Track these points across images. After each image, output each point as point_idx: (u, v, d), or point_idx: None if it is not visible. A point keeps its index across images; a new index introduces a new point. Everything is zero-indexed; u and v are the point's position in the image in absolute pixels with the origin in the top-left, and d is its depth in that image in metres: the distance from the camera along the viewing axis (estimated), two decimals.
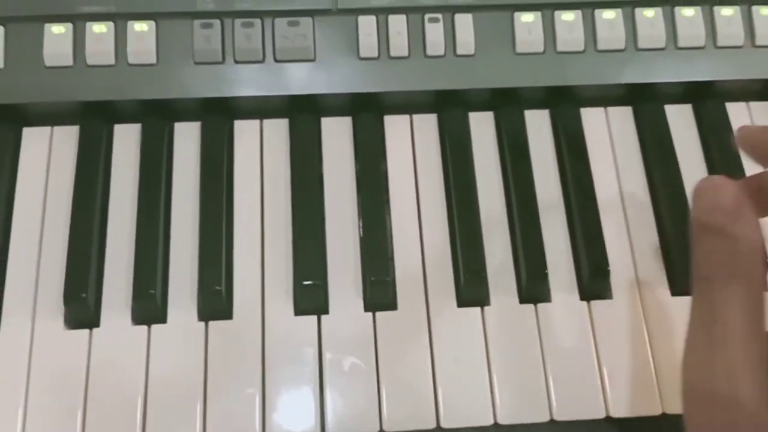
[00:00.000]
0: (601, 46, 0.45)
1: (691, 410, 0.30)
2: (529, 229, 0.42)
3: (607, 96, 0.46)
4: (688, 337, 0.31)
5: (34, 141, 0.44)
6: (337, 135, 0.45)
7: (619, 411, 0.39)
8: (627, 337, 0.41)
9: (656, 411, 0.39)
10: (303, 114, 0.45)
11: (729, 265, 0.31)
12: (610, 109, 0.47)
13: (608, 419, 0.39)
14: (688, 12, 0.45)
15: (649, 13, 0.45)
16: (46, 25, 0.43)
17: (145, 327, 0.40)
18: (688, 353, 0.31)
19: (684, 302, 0.37)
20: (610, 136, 0.46)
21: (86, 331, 0.40)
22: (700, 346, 0.30)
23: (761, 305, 0.30)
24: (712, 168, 0.45)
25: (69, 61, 0.43)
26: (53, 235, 0.42)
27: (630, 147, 0.46)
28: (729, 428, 0.29)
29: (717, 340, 0.30)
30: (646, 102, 0.46)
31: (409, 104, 0.46)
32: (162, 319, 0.40)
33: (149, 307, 0.40)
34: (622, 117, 0.47)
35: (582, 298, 0.41)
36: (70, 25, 0.43)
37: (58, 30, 0.43)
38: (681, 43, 0.45)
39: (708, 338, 0.30)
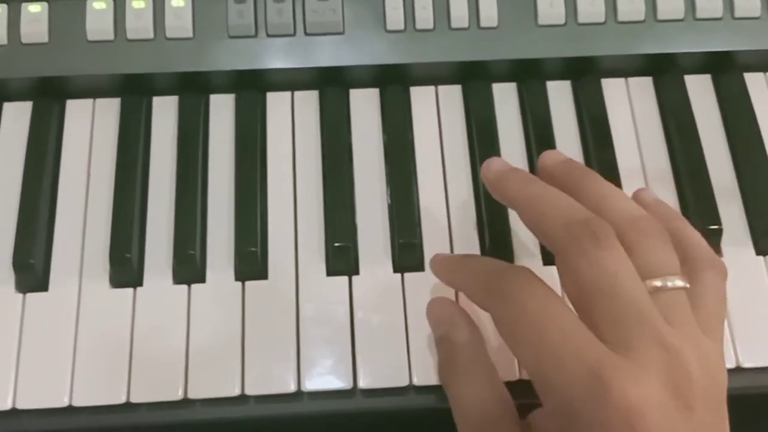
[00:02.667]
0: (621, 17, 0.46)
1: None
2: None
3: (628, 67, 0.48)
4: None
5: (77, 113, 0.46)
6: (365, 106, 0.47)
7: None
8: None
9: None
10: (332, 86, 0.47)
11: (451, 366, 0.37)
12: (631, 79, 0.48)
13: None
14: None
15: None
16: (88, 1, 0.45)
17: (185, 286, 0.42)
18: None
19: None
20: (630, 106, 0.47)
21: (130, 290, 0.42)
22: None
23: (491, 390, 0.35)
24: (731, 137, 0.46)
25: (110, 35, 0.45)
26: (97, 201, 0.44)
27: (651, 117, 0.47)
28: None
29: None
30: (665, 72, 0.48)
31: (435, 76, 0.47)
32: (201, 279, 0.42)
33: (189, 268, 0.42)
34: (643, 87, 0.48)
35: None
36: (110, 1, 0.45)
37: (99, 6, 0.45)
38: (699, 14, 0.46)
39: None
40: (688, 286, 0.32)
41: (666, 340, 0.29)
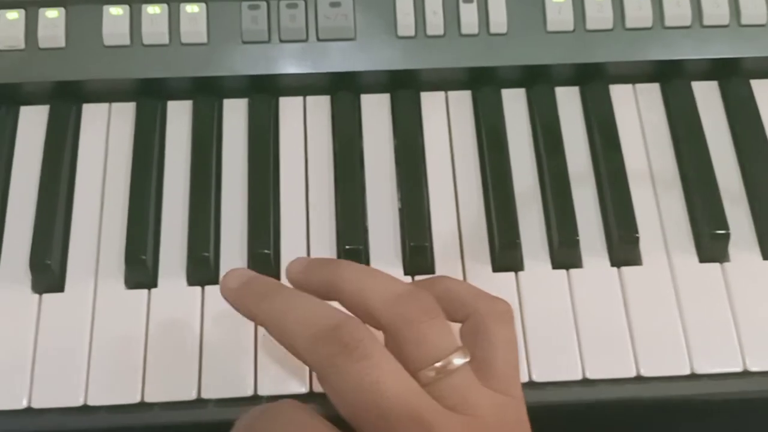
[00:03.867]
0: (629, 24, 0.47)
1: None
2: (561, 199, 0.44)
3: (635, 73, 0.48)
4: None
5: (94, 116, 0.47)
6: (376, 110, 0.48)
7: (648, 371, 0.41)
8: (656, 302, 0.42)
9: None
10: (344, 91, 0.48)
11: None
12: (639, 85, 0.49)
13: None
14: None
15: None
16: (105, 7, 0.46)
17: (199, 288, 0.42)
18: None
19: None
20: (638, 112, 0.48)
21: (145, 291, 0.42)
22: None
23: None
24: (738, 142, 0.47)
25: (126, 40, 0.46)
26: (113, 203, 0.45)
27: (658, 122, 0.48)
28: None
29: None
30: (673, 79, 0.48)
31: (445, 81, 0.48)
32: (214, 280, 0.43)
33: (203, 269, 0.42)
34: (650, 93, 0.49)
35: (612, 264, 0.43)
36: (127, 7, 0.46)
37: (116, 11, 0.46)
38: (706, 22, 0.47)
39: None
40: (467, 359, 0.30)
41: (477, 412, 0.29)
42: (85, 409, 0.40)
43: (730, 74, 0.48)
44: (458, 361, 0.30)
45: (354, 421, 0.29)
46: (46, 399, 0.40)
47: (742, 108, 0.48)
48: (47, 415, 0.40)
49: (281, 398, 0.40)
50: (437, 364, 0.29)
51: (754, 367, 0.41)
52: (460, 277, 0.43)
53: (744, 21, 0.47)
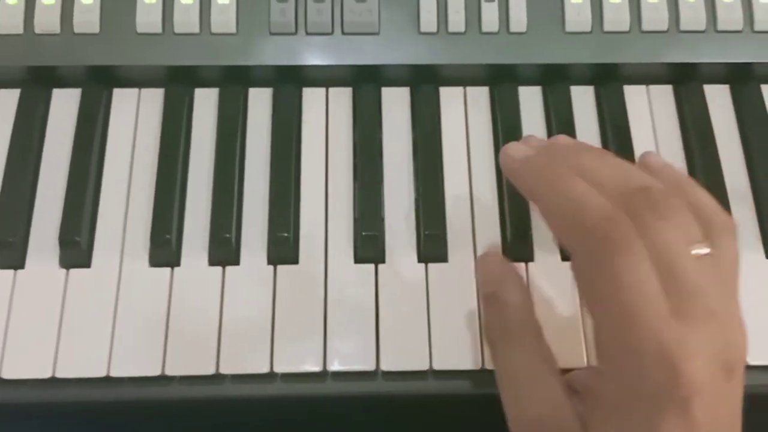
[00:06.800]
0: (645, 26, 0.48)
1: None
2: None
3: (650, 75, 0.50)
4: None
5: (124, 101, 0.49)
6: (396, 103, 0.49)
7: None
8: None
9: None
10: (366, 83, 0.49)
11: (500, 327, 0.38)
12: (652, 87, 0.50)
13: None
14: None
15: None
16: None
17: (220, 268, 0.44)
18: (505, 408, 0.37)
19: None
20: (651, 113, 0.49)
21: (168, 269, 0.44)
22: (504, 400, 0.37)
23: (539, 356, 0.37)
24: (747, 144, 0.48)
25: (158, 29, 0.47)
26: (140, 185, 0.46)
27: (670, 123, 0.49)
28: None
29: (508, 396, 0.37)
30: (686, 81, 0.49)
31: (464, 77, 0.49)
32: (235, 261, 0.44)
33: (224, 250, 0.44)
34: (663, 95, 0.50)
35: None
36: None
37: (149, 0, 0.47)
38: (720, 27, 0.48)
39: (504, 395, 0.37)
40: (711, 251, 0.33)
41: (715, 309, 0.31)
42: (108, 380, 0.42)
43: (742, 79, 0.50)
44: (706, 249, 0.32)
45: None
46: (70, 369, 0.42)
47: (752, 112, 0.49)
48: (71, 385, 0.42)
49: (295, 376, 0.42)
50: (693, 248, 0.32)
51: (754, 362, 0.42)
52: (472, 269, 0.44)
53: (757, 27, 0.48)
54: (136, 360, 0.42)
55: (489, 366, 0.41)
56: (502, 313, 0.38)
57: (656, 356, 0.30)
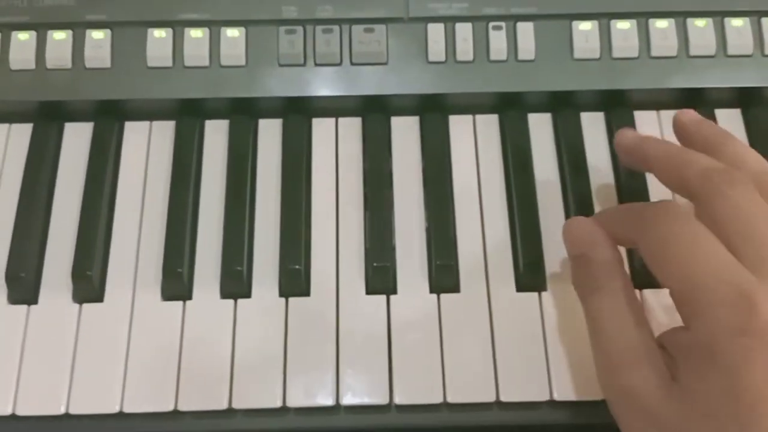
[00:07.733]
0: (654, 52, 0.48)
1: (610, 407, 0.37)
2: None
3: (659, 100, 0.49)
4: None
5: (135, 133, 0.49)
6: (405, 132, 0.49)
7: None
8: None
9: None
10: (375, 113, 0.49)
11: (590, 282, 0.39)
12: (662, 112, 0.50)
13: None
14: (736, 22, 0.48)
15: (700, 22, 0.48)
16: (149, 30, 0.48)
17: (231, 301, 0.44)
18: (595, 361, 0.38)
19: None
20: (661, 137, 0.49)
21: (180, 302, 0.44)
22: (595, 354, 0.38)
23: (629, 305, 0.37)
24: None
25: (169, 62, 0.48)
26: (151, 217, 0.46)
27: None
28: (635, 419, 0.35)
29: (599, 346, 0.38)
30: (696, 106, 0.49)
31: (473, 105, 0.49)
32: (247, 294, 0.44)
33: (236, 283, 0.44)
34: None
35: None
36: (170, 30, 0.48)
37: (159, 34, 0.48)
38: (730, 51, 0.48)
39: (595, 347, 0.38)
40: None
41: None
42: (121, 415, 0.41)
43: (753, 103, 0.49)
44: None
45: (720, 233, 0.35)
46: (83, 405, 0.41)
47: (762, 135, 0.49)
48: (84, 422, 0.42)
49: (308, 410, 0.42)
50: None
51: None
52: (485, 299, 0.44)
53: (767, 51, 0.48)
54: (148, 396, 0.42)
55: (504, 398, 0.41)
56: (591, 269, 0.39)
57: (736, 295, 0.32)
